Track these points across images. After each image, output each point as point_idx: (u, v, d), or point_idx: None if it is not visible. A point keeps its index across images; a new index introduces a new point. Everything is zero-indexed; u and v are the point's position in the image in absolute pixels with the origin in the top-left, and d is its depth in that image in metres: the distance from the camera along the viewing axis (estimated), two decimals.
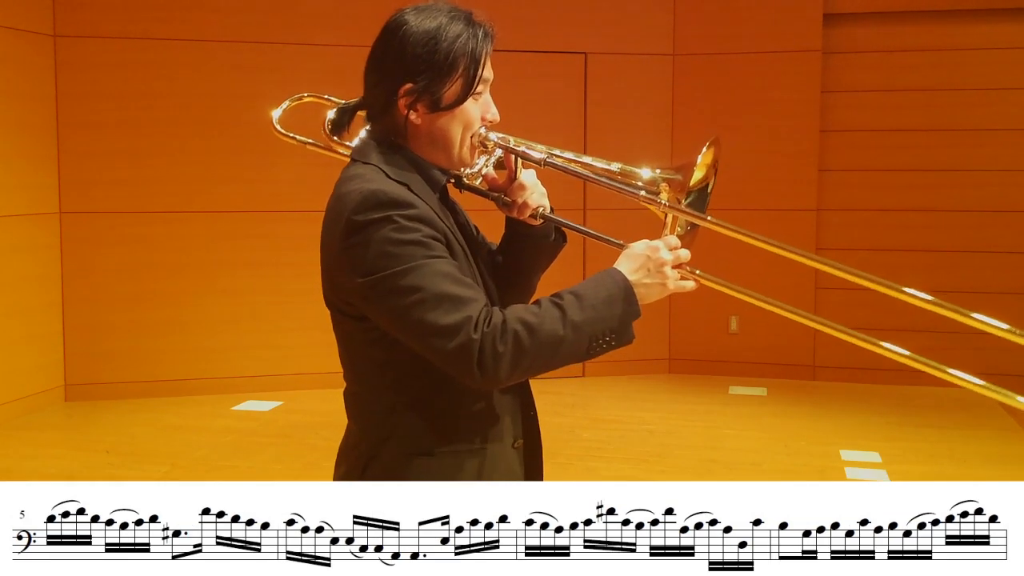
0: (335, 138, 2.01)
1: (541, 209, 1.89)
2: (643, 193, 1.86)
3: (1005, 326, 1.72)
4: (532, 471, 1.90)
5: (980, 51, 6.81)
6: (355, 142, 1.93)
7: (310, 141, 2.15)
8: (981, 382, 1.74)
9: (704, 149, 1.85)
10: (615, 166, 1.89)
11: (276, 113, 2.20)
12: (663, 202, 1.84)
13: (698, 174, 1.84)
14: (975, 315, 1.72)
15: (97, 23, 6.25)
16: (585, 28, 7.00)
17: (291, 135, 2.18)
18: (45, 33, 6.14)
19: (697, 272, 1.80)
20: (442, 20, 1.74)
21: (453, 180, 1.87)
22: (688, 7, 7.11)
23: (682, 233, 1.86)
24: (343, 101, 1.99)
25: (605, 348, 1.71)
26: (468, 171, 1.88)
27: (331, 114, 2.00)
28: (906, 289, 1.78)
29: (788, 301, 1.86)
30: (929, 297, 1.77)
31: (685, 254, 1.78)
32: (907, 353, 1.76)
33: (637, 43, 7.08)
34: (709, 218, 1.84)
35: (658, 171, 1.87)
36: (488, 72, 1.80)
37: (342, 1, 6.53)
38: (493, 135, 1.85)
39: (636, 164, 1.89)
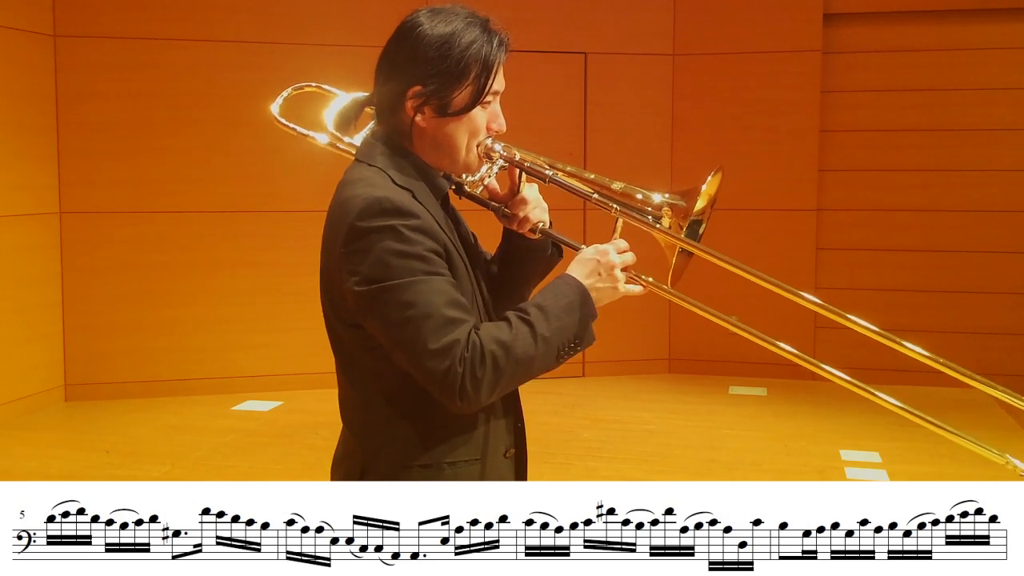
0: (339, 133, 1.99)
1: (541, 224, 1.89)
2: (649, 218, 1.86)
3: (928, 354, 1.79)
4: (521, 480, 1.91)
5: (980, 51, 6.81)
6: (357, 138, 1.92)
7: (311, 133, 2.12)
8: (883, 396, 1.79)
9: (709, 178, 1.85)
10: (618, 185, 1.89)
11: (277, 102, 2.17)
12: (666, 223, 1.85)
13: (701, 203, 1.85)
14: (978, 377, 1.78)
15: (97, 23, 6.25)
16: (585, 28, 6.99)
17: (292, 126, 2.13)
18: (45, 33, 6.13)
19: (643, 278, 1.82)
20: (458, 25, 1.73)
21: (454, 187, 1.87)
22: (688, 7, 7.11)
23: (676, 261, 1.87)
24: (345, 93, 1.98)
25: (570, 354, 1.74)
26: (470, 179, 1.88)
27: (337, 107, 1.99)
28: (907, 344, 1.84)
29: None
30: (926, 353, 1.82)
31: (631, 257, 1.81)
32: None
33: (637, 43, 7.08)
34: (712, 252, 1.84)
35: (666, 196, 1.87)
36: (500, 83, 1.78)
37: (343, 1, 6.53)
38: (498, 146, 1.84)
39: (643, 187, 1.89)
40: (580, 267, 1.78)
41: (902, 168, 6.94)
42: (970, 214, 6.86)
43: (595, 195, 1.88)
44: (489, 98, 1.77)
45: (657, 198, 1.87)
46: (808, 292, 1.88)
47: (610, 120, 7.07)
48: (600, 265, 1.77)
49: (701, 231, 1.88)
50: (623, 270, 1.79)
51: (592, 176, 1.90)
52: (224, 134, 6.40)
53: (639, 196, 1.87)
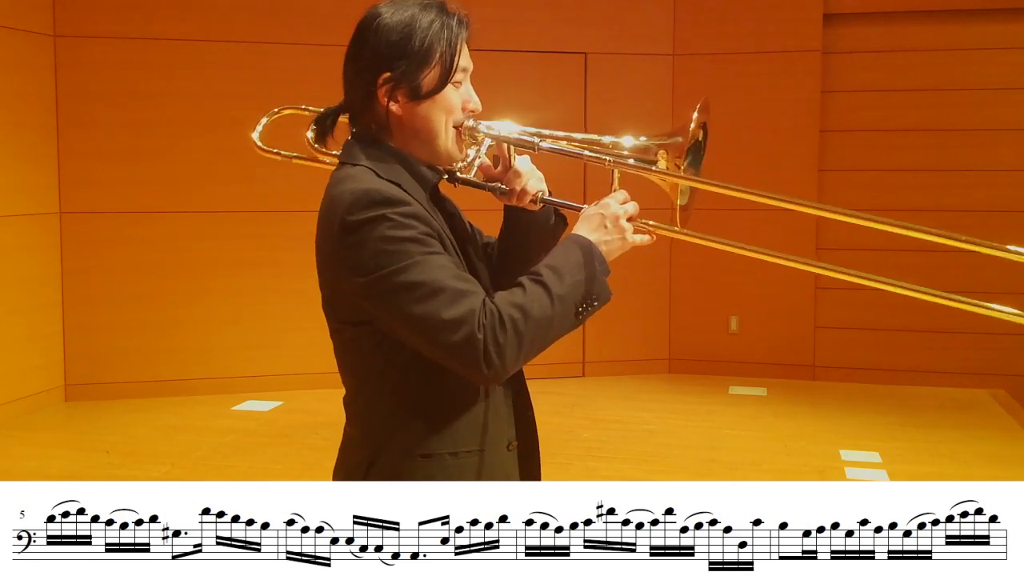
0: (320, 147, 1.99)
1: (540, 194, 1.89)
2: (631, 162, 1.85)
3: (1012, 310, 1.72)
4: (528, 473, 1.89)
5: (980, 51, 6.81)
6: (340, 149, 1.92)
7: (295, 155, 2.13)
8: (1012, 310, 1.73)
9: (695, 114, 1.85)
10: (607, 139, 1.88)
11: (256, 132, 2.16)
12: (657, 168, 1.84)
13: (691, 133, 1.84)
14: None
15: (97, 23, 6.26)
16: (585, 28, 6.99)
17: (274, 151, 2.15)
18: (45, 33, 6.13)
19: (650, 223, 1.81)
20: (415, 10, 1.75)
21: (447, 176, 1.87)
22: (688, 7, 7.11)
23: (684, 203, 1.86)
24: (322, 109, 1.98)
25: (590, 312, 1.73)
26: (461, 164, 1.87)
27: (313, 123, 1.99)
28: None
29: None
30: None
31: (634, 207, 1.80)
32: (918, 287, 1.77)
33: (637, 43, 7.08)
34: (707, 180, 1.84)
35: (656, 138, 1.87)
36: (466, 60, 1.79)
37: (342, 1, 6.53)
38: (482, 125, 1.84)
39: (629, 134, 1.89)
40: (585, 223, 1.78)
41: (902, 168, 6.93)
42: (970, 214, 6.86)
43: (586, 152, 1.88)
44: (459, 76, 1.78)
45: (648, 141, 1.86)
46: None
47: (610, 120, 7.06)
48: (604, 218, 1.76)
49: (700, 165, 1.87)
50: (628, 220, 1.78)
51: (580, 136, 1.89)
52: (224, 134, 6.39)
53: (630, 143, 1.87)
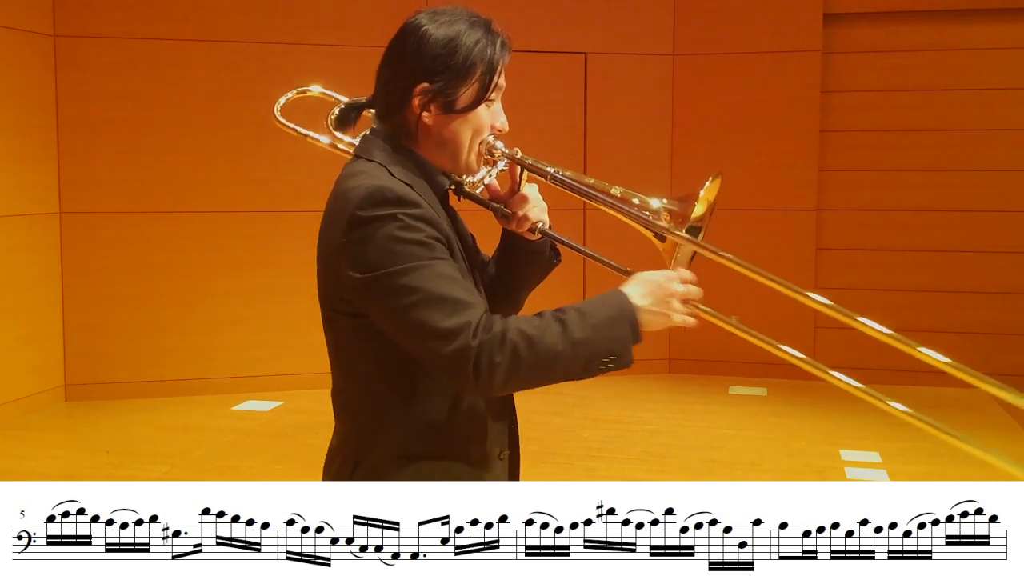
0: (338, 134, 2.01)
1: (540, 224, 1.90)
2: (647, 215, 1.85)
3: (947, 360, 1.74)
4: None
5: (980, 51, 6.81)
6: (358, 139, 1.93)
7: (311, 134, 2.15)
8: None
9: (708, 183, 1.85)
10: (616, 190, 1.89)
11: (279, 103, 2.20)
12: (664, 224, 1.84)
13: (699, 209, 1.84)
14: (921, 349, 1.75)
15: (97, 23, 6.25)
16: (585, 28, 7.00)
17: (292, 126, 2.17)
18: (45, 33, 6.13)
19: (707, 309, 1.78)
20: (462, 27, 1.76)
21: (454, 187, 1.88)
22: (688, 7, 7.11)
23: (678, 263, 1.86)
24: (348, 99, 1.99)
25: (603, 370, 1.69)
26: (470, 179, 1.89)
27: (337, 109, 2.00)
28: (862, 319, 1.80)
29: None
30: (889, 332, 1.80)
31: (696, 291, 1.76)
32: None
33: (637, 43, 7.08)
34: (708, 246, 1.83)
35: (664, 201, 1.88)
36: (502, 81, 1.81)
37: (342, 1, 6.54)
38: (500, 145, 1.86)
39: (640, 192, 1.89)
40: (638, 286, 1.73)
41: (902, 168, 6.93)
42: (970, 214, 6.86)
43: (596, 192, 1.89)
44: (493, 95, 1.80)
45: (655, 203, 1.87)
46: (811, 291, 1.86)
47: (610, 120, 7.06)
48: (660, 290, 1.72)
49: (699, 238, 1.87)
50: (684, 302, 1.74)
51: (591, 181, 1.90)
52: (224, 134, 6.40)
53: (637, 200, 1.87)
